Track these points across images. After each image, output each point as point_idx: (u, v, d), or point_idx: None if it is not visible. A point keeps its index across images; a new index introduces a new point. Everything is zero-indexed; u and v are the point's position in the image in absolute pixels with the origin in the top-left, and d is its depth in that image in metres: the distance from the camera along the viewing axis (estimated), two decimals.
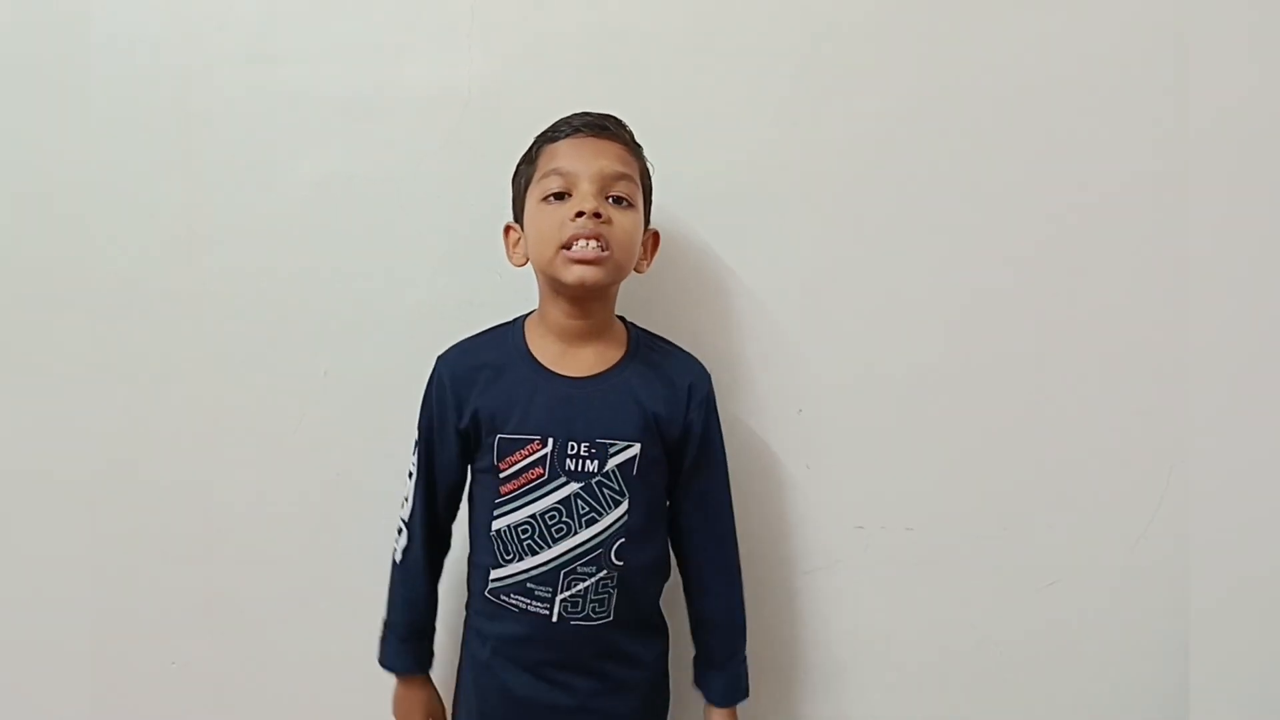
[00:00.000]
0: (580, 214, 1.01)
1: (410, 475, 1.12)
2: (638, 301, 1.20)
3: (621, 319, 1.14)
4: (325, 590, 1.32)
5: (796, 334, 1.25)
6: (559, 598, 1.04)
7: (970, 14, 1.22)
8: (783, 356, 1.25)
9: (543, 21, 1.25)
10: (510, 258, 1.13)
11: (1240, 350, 1.19)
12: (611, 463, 1.05)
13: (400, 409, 1.15)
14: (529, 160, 1.10)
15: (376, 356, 1.29)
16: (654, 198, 1.13)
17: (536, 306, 1.12)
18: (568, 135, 1.06)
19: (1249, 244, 1.18)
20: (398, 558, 1.14)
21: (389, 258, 1.28)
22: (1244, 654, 1.18)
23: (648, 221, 1.12)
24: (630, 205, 1.05)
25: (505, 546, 1.06)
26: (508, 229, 1.13)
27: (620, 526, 1.05)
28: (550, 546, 1.04)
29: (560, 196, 1.04)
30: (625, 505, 1.05)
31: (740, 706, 1.15)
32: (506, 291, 1.19)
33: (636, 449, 1.05)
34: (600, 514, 1.04)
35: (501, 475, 1.06)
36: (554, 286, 1.06)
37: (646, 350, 1.12)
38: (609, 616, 1.06)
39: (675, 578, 1.16)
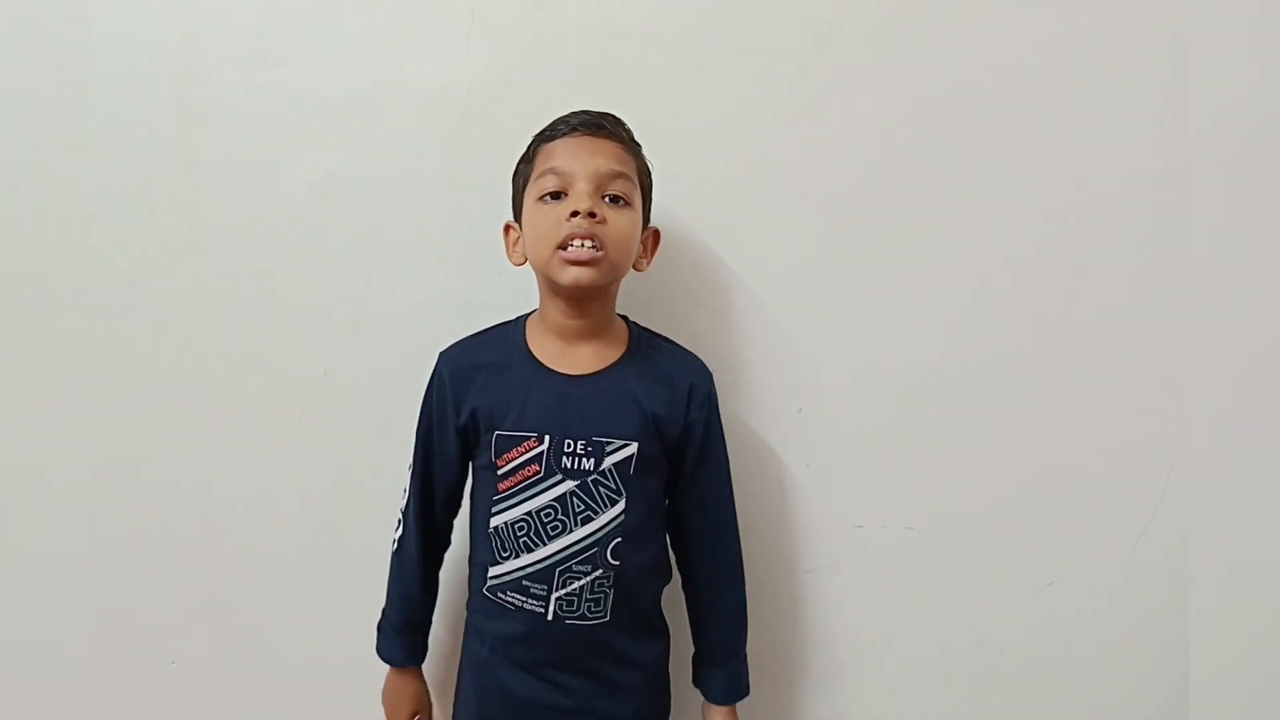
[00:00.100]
0: (575, 214, 1.01)
1: (410, 468, 1.13)
2: (638, 300, 1.20)
3: (624, 318, 1.14)
4: (325, 590, 1.32)
5: (796, 333, 1.25)
6: (554, 596, 1.04)
7: (970, 14, 1.22)
8: (782, 356, 1.25)
9: (543, 21, 1.25)
10: (510, 257, 1.13)
11: (1240, 350, 1.19)
12: (608, 461, 1.05)
13: (400, 408, 1.16)
14: (527, 159, 1.10)
15: (376, 356, 1.29)
16: (654, 197, 1.13)
17: (538, 305, 1.12)
18: (565, 134, 1.06)
19: (1249, 244, 1.18)
20: (394, 546, 1.15)
21: (389, 257, 1.28)
22: (1244, 654, 1.18)
23: (647, 220, 1.12)
24: (627, 204, 1.05)
25: (502, 544, 1.06)
26: (507, 228, 1.13)
27: (616, 525, 1.05)
28: (545, 544, 1.04)
29: (556, 196, 1.04)
30: (622, 504, 1.05)
31: (740, 705, 1.15)
32: (506, 291, 1.19)
33: (634, 448, 1.05)
34: (596, 512, 1.04)
35: (499, 472, 1.06)
36: (551, 286, 1.07)
37: (647, 350, 1.12)
38: (605, 616, 1.06)
39: (675, 579, 1.16)
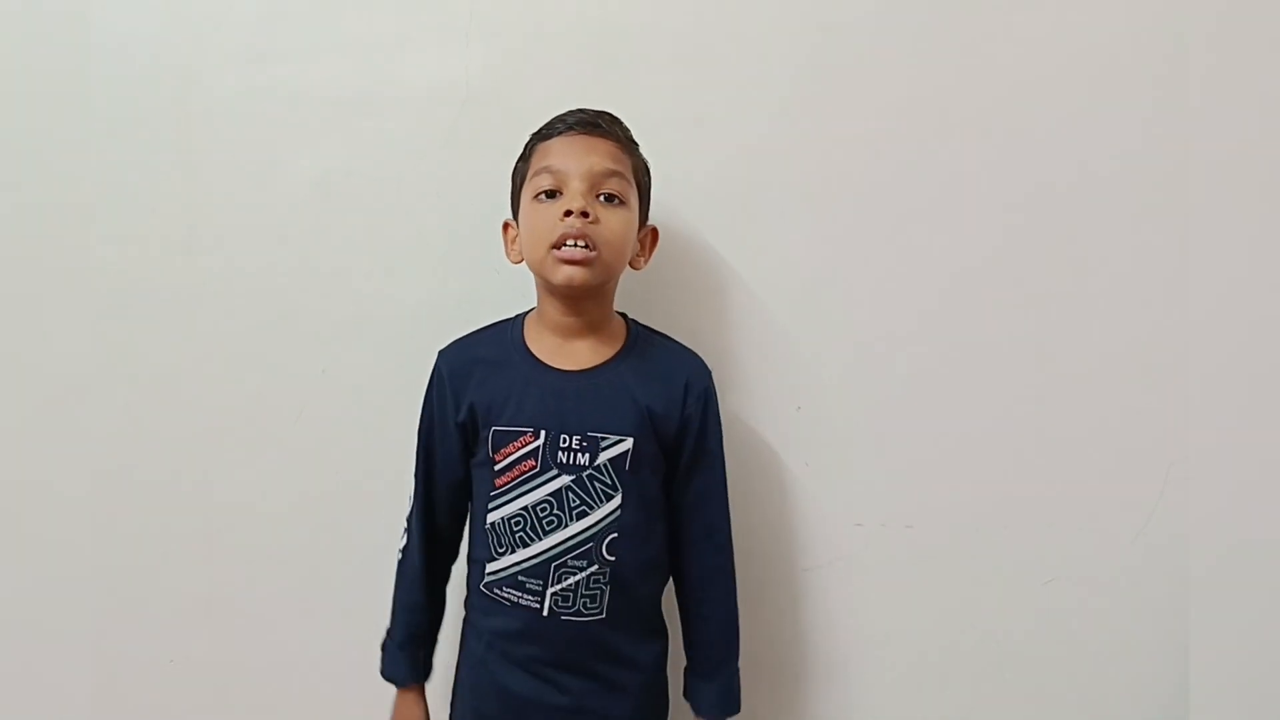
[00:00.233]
0: (569, 213, 1.01)
1: (414, 474, 1.13)
2: (636, 299, 1.20)
3: (623, 315, 1.14)
4: (325, 589, 1.32)
5: (795, 331, 1.25)
6: (549, 591, 1.04)
7: (970, 14, 1.22)
8: (781, 354, 1.25)
9: (541, 19, 1.25)
10: (509, 255, 1.13)
11: (1239, 349, 1.18)
12: (603, 456, 1.05)
13: (399, 408, 1.16)
14: (524, 158, 1.10)
15: (375, 355, 1.29)
16: (653, 195, 1.13)
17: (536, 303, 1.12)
18: (560, 133, 1.07)
19: (1248, 243, 1.18)
20: (399, 556, 1.14)
21: (388, 256, 1.29)
22: (1244, 652, 1.17)
23: (645, 218, 1.12)
24: (622, 203, 1.05)
25: (499, 539, 1.06)
26: (506, 226, 1.14)
27: (612, 521, 1.05)
28: (541, 539, 1.04)
29: (551, 195, 1.04)
30: (618, 500, 1.05)
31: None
32: (506, 289, 1.19)
33: (629, 443, 1.05)
34: (591, 507, 1.04)
35: (496, 468, 1.06)
36: (546, 285, 1.07)
37: (644, 346, 1.12)
38: (601, 614, 1.05)
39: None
